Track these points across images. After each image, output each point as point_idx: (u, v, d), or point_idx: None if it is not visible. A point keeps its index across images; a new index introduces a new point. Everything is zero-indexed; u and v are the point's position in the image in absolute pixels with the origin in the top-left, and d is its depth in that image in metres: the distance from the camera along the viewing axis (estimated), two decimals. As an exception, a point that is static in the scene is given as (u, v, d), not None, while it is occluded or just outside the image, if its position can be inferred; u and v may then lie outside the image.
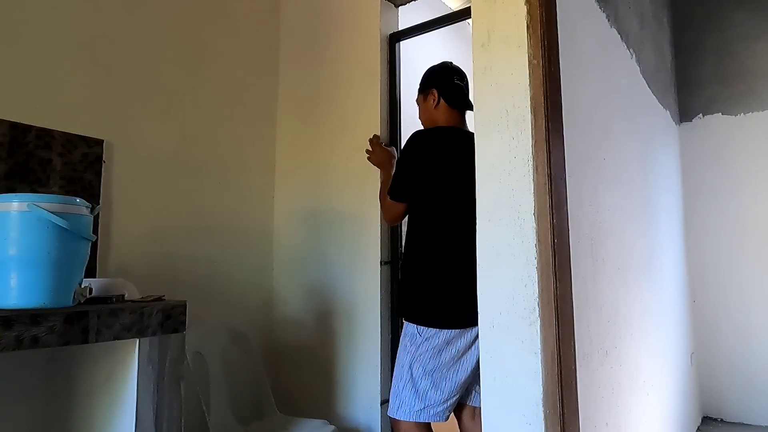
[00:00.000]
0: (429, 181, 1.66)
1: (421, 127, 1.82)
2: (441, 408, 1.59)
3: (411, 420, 1.59)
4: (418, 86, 1.85)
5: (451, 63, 1.84)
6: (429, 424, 1.63)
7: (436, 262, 1.63)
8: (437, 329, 1.59)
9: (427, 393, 1.58)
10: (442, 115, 1.77)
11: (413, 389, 1.59)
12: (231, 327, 2.13)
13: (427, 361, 1.59)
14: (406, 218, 1.79)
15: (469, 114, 1.81)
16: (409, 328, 1.65)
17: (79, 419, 1.36)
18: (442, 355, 1.59)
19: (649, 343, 2.00)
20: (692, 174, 3.21)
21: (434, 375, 1.58)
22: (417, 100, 1.86)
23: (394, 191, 1.73)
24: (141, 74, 2.00)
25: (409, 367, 1.61)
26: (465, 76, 1.80)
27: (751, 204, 3.05)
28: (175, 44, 2.14)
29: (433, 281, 1.62)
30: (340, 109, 2.38)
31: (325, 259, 2.33)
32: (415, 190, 1.69)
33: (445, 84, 1.77)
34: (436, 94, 1.76)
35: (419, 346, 1.60)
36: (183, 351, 1.31)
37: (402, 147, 1.76)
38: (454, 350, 1.59)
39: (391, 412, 1.64)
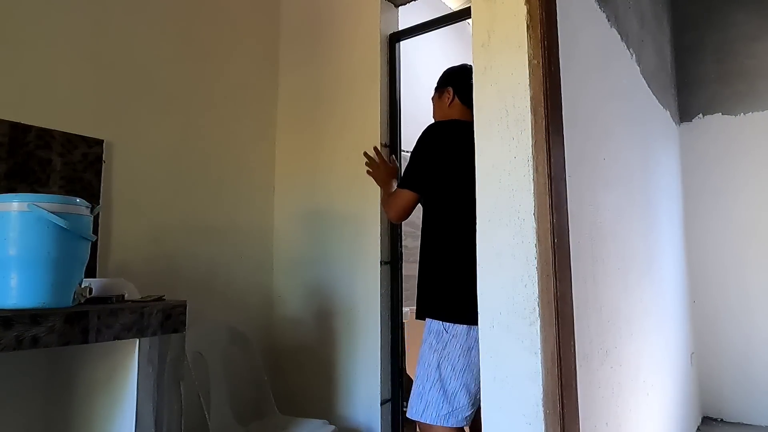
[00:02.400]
0: (448, 173, 1.61)
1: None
2: (469, 412, 1.51)
3: (439, 424, 1.49)
4: (435, 86, 1.85)
5: (471, 66, 1.86)
6: (462, 429, 1.53)
7: (460, 256, 1.54)
8: (466, 326, 1.51)
9: (456, 395, 1.50)
10: (456, 113, 1.75)
11: (441, 390, 1.50)
12: (231, 327, 2.13)
13: (457, 359, 1.50)
14: (417, 213, 1.73)
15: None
16: (433, 324, 1.57)
17: (79, 419, 1.36)
18: (472, 354, 1.50)
19: (650, 343, 2.00)
20: (692, 174, 3.21)
21: (465, 375, 1.50)
22: (432, 99, 1.86)
23: (406, 180, 1.68)
24: (141, 74, 2.00)
25: (437, 366, 1.52)
26: None
27: (751, 204, 3.05)
28: (175, 44, 2.14)
29: (458, 275, 1.53)
30: (340, 109, 2.38)
31: (325, 259, 2.33)
32: (429, 181, 1.64)
33: (461, 83, 1.76)
34: (452, 92, 1.77)
35: (447, 344, 1.52)
36: (183, 351, 1.31)
37: (418, 138, 1.71)
38: None
39: (415, 415, 1.53)
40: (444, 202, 1.63)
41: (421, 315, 1.65)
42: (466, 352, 1.51)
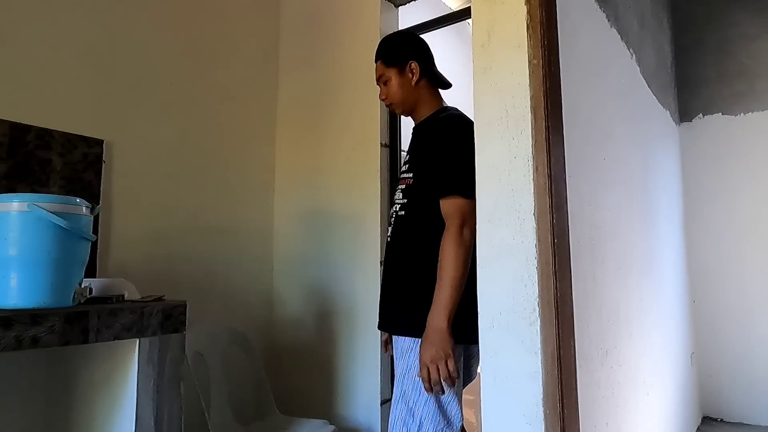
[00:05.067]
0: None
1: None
2: (461, 422, 1.35)
3: None
4: (383, 57, 1.51)
5: (416, 33, 1.58)
6: None
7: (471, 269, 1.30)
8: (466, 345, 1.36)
9: (449, 404, 1.32)
10: (426, 93, 1.49)
11: (436, 403, 1.31)
12: (231, 327, 2.13)
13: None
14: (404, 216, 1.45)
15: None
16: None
17: (79, 419, 1.36)
18: (460, 360, 1.38)
19: (649, 343, 1.99)
20: (692, 174, 3.21)
21: (458, 383, 1.34)
22: (382, 77, 1.51)
23: (466, 185, 1.28)
24: (141, 74, 2.00)
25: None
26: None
27: (751, 203, 3.05)
28: (175, 44, 2.14)
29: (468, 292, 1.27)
30: (340, 109, 2.38)
31: (325, 259, 2.33)
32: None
33: (425, 55, 1.49)
34: (417, 69, 1.47)
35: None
36: (183, 351, 1.31)
37: (444, 131, 1.40)
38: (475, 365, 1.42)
39: None
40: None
41: (403, 332, 1.37)
42: (457, 358, 1.34)
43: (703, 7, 3.29)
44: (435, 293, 1.29)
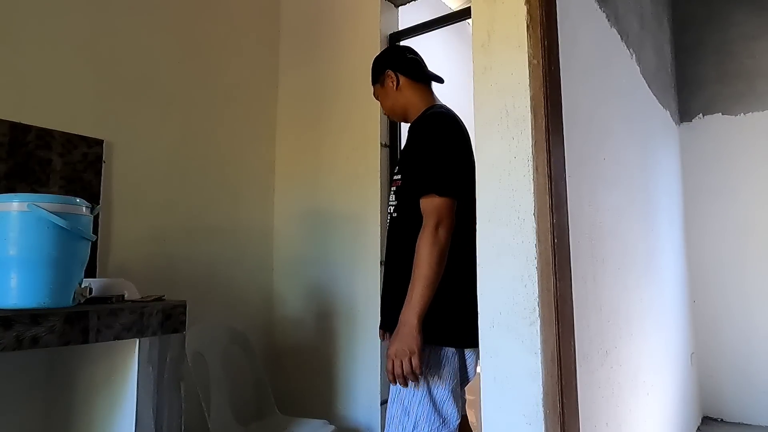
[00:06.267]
0: (465, 174, 1.37)
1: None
2: (458, 421, 1.35)
3: None
4: (371, 79, 1.64)
5: (396, 44, 1.68)
6: None
7: (466, 271, 1.32)
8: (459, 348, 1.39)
9: (444, 403, 1.34)
10: (410, 94, 1.54)
11: (431, 402, 1.33)
12: (231, 327, 2.13)
13: (442, 368, 1.37)
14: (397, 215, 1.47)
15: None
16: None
17: (79, 419, 1.36)
18: (454, 360, 1.39)
19: (649, 343, 2.00)
20: (692, 174, 3.21)
21: (451, 381, 1.36)
22: (374, 93, 1.65)
23: (442, 183, 1.31)
24: (141, 74, 2.00)
25: (423, 377, 1.33)
26: (416, 52, 1.62)
27: (751, 204, 3.05)
28: (176, 44, 2.14)
29: (468, 292, 1.28)
30: (340, 109, 2.38)
31: (325, 259, 2.33)
32: (459, 184, 1.34)
33: (399, 60, 1.56)
34: (393, 74, 1.55)
35: (430, 354, 1.36)
36: (183, 351, 1.31)
37: (423, 130, 1.42)
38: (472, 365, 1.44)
39: None
40: (465, 209, 1.35)
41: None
42: (450, 359, 1.38)
43: (703, 7, 3.29)
44: (408, 291, 1.30)
